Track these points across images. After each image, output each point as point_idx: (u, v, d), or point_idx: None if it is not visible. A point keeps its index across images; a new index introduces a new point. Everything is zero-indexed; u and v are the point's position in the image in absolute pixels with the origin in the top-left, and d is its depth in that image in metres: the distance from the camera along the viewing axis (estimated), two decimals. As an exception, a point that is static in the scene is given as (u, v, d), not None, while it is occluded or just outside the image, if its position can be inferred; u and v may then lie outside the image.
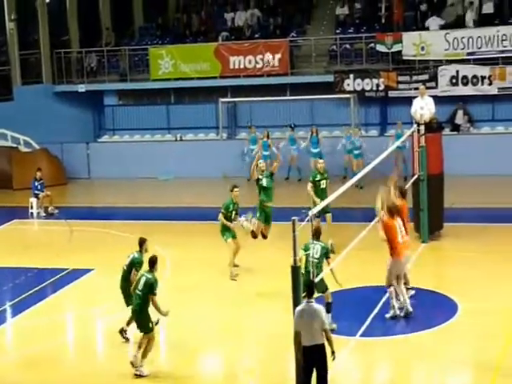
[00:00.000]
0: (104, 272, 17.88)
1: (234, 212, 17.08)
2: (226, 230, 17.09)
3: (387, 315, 14.09)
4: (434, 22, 29.51)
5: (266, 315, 14.55)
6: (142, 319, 12.48)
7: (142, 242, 13.64)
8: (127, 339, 13.73)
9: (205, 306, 15.43)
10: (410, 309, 14.06)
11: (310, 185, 18.23)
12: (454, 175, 21.47)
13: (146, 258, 13.05)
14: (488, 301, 14.72)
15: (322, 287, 13.38)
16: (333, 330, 13.45)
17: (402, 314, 14.04)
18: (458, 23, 29.31)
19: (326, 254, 13.51)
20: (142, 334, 12.53)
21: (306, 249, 13.18)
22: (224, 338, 13.94)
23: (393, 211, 14.04)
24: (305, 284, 10.74)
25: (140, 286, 12.41)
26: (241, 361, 13.23)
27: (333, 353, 10.46)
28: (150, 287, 12.29)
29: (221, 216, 17.05)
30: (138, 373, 12.30)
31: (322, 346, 10.40)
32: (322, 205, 13.46)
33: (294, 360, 10.53)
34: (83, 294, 16.92)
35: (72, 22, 34.67)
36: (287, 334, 10.88)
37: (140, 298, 12.40)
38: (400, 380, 12.11)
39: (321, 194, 17.97)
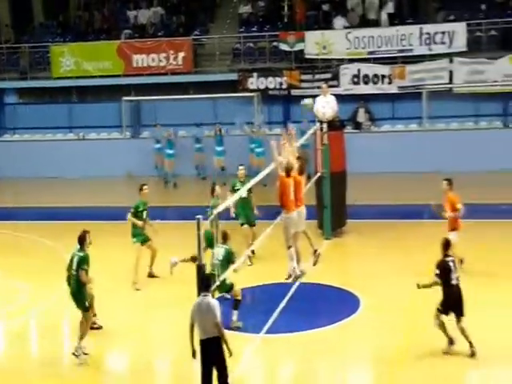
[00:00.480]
0: (6, 275, 17.41)
1: (144, 212, 16.54)
2: (136, 232, 16.46)
3: (288, 279, 14.27)
4: (338, 22, 29.91)
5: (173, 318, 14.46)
6: (79, 298, 12.80)
7: (82, 238, 13.11)
8: (100, 327, 13.87)
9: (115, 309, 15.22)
10: (299, 273, 14.28)
11: (229, 194, 16.87)
12: (356, 173, 21.79)
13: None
14: (390, 296, 14.99)
15: (226, 287, 13.41)
16: (238, 328, 13.54)
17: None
18: (361, 23, 29.84)
19: (230, 258, 13.33)
20: (81, 314, 12.84)
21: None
22: (131, 339, 13.79)
23: (289, 171, 14.21)
24: (202, 278, 10.71)
25: (74, 266, 12.77)
26: (149, 360, 13.11)
27: (228, 349, 10.49)
28: (79, 263, 12.65)
29: (129, 216, 16.43)
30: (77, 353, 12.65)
31: (217, 340, 10.45)
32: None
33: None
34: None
35: (-31, 19, 33.78)
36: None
37: (75, 278, 12.72)
38: (303, 377, 12.19)
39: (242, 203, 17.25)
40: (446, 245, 12.53)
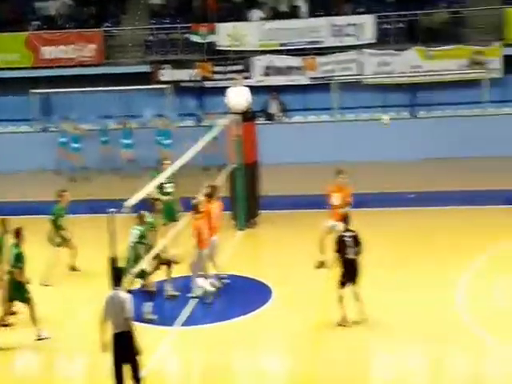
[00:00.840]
0: None
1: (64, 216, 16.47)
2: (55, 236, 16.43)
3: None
4: (255, 14, 30.01)
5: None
6: (21, 293, 12.98)
7: (17, 233, 13.08)
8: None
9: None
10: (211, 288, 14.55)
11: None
12: (269, 164, 21.98)
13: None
14: (302, 285, 15.24)
15: (140, 273, 13.26)
16: (151, 321, 13.54)
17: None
18: (275, 15, 30.02)
19: (142, 237, 13.55)
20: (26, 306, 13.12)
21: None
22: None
23: (197, 207, 14.61)
24: (114, 271, 10.69)
25: (11, 262, 12.99)
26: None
27: (135, 342, 10.41)
28: (15, 260, 12.87)
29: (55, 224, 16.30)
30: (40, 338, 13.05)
31: (129, 334, 10.38)
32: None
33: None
34: None
35: None
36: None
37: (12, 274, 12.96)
38: (218, 368, 12.28)
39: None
40: (345, 219, 13.38)
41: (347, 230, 13.24)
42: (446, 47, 28.12)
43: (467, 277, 15.24)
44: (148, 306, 13.73)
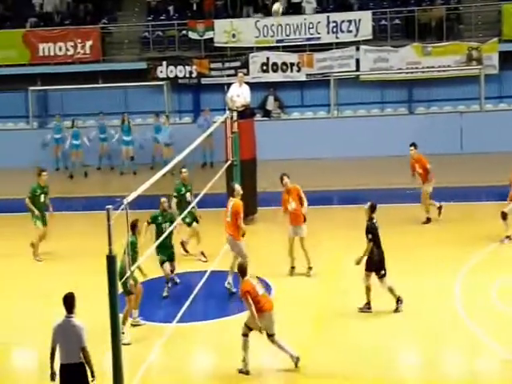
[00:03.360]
0: None
1: (42, 195, 17.35)
2: (34, 215, 17.37)
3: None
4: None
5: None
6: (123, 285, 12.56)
7: (133, 226, 12.96)
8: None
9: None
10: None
11: (174, 200, 16.51)
12: (266, 160, 22.02)
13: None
14: (301, 282, 15.30)
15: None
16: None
17: None
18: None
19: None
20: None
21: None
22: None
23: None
24: (65, 298, 9.91)
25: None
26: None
27: (92, 373, 9.72)
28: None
29: (27, 201, 17.33)
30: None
31: (80, 365, 9.71)
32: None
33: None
34: None
35: None
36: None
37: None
38: (220, 364, 12.34)
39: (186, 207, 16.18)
40: (372, 208, 13.50)
41: (373, 218, 13.50)
42: (442, 43, 28.18)
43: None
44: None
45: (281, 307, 13.93)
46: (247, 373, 11.64)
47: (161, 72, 29.57)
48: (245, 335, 11.69)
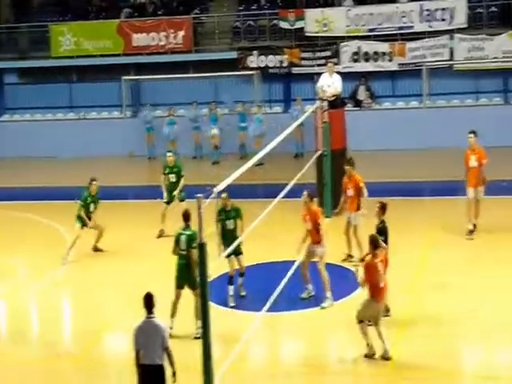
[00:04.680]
0: (1, 253, 17.70)
1: (92, 204, 17.56)
2: (79, 218, 17.46)
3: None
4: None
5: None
6: (188, 277, 12.58)
7: (187, 216, 12.90)
8: None
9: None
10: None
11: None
12: (357, 150, 21.82)
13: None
14: (389, 273, 15.08)
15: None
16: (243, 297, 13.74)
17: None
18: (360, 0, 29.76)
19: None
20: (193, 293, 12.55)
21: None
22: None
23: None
24: (144, 298, 9.76)
25: (183, 246, 12.74)
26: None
27: (174, 374, 9.66)
28: (189, 242, 12.59)
29: (79, 209, 17.42)
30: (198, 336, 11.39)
31: (161, 367, 9.63)
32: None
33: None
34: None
35: (-31, -1, 33.67)
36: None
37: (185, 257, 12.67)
38: (309, 353, 12.32)
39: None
40: (383, 208, 13.15)
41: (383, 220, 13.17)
42: (540, 31, 27.34)
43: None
44: (230, 290, 13.91)
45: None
46: (373, 355, 11.64)
47: (251, 62, 29.63)
48: (361, 322, 11.71)
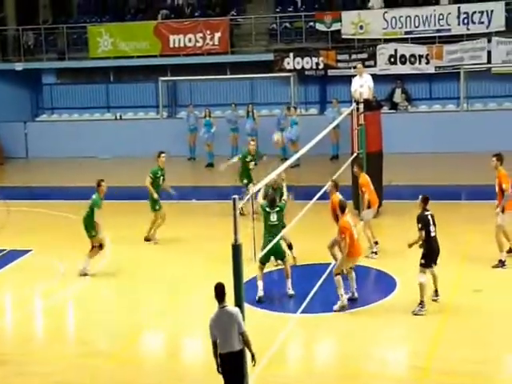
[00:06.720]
0: (42, 252, 17.84)
1: (161, 177, 17.90)
2: (154, 200, 17.78)
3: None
4: (376, 1, 29.68)
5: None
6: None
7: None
8: None
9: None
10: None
11: (148, 179, 17.94)
12: (393, 153, 21.76)
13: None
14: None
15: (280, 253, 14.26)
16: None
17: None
18: (395, 2, 29.65)
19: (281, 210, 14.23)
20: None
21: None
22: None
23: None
24: (216, 288, 9.90)
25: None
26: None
27: (253, 357, 9.89)
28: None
29: (148, 181, 17.74)
30: None
31: (240, 353, 9.85)
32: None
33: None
34: (21, 275, 16.70)
35: (8, -1, 34.07)
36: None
37: None
38: (342, 356, 12.31)
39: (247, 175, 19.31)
40: (425, 200, 13.49)
41: (426, 210, 13.43)
42: None
43: None
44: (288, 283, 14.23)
45: (405, 302, 13.84)
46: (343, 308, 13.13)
47: (288, 63, 29.64)
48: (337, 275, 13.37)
